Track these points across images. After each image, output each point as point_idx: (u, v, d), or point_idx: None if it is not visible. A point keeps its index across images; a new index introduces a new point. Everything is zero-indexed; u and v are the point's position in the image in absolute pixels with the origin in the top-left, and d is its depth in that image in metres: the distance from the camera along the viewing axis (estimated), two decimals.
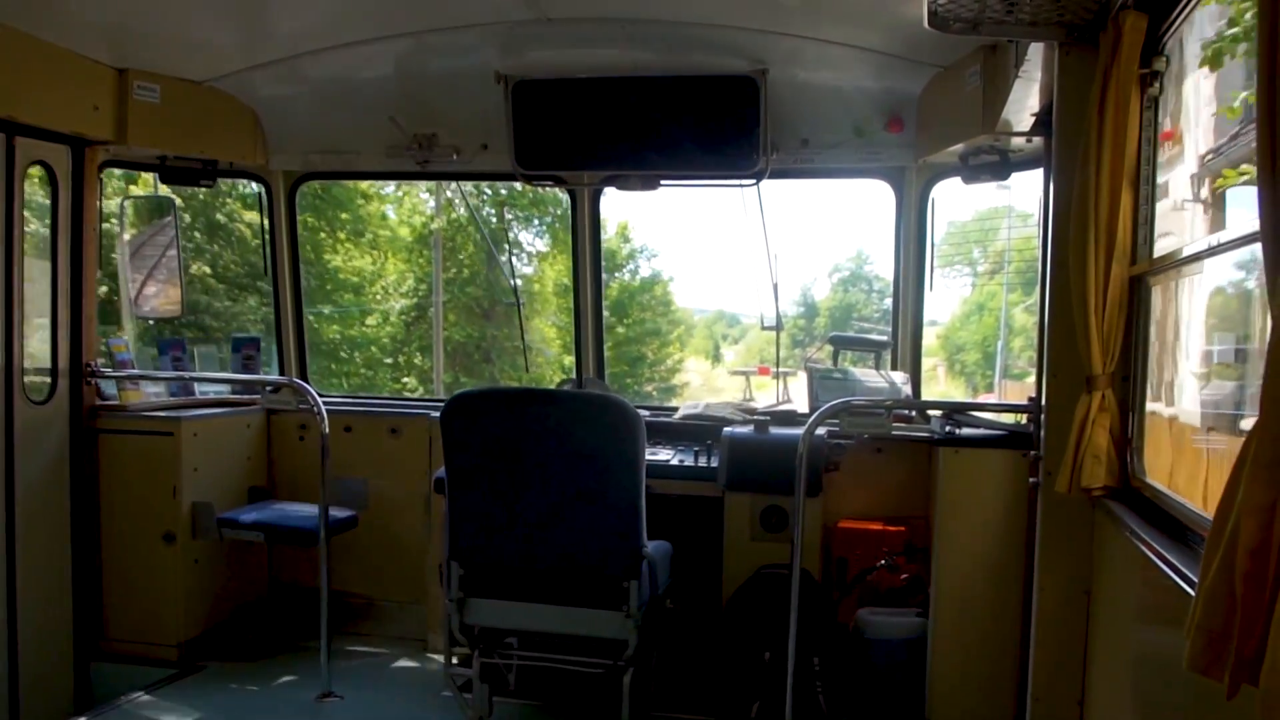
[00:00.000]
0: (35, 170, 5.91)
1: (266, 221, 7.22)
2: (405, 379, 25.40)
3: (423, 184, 23.14)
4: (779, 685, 5.07)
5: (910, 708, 5.47)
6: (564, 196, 6.95)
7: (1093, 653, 4.24)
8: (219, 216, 20.54)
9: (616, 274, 29.26)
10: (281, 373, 7.34)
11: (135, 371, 6.64)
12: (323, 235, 22.78)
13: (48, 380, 6.10)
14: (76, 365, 6.19)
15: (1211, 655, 2.05)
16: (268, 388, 6.52)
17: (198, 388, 6.94)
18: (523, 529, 4.82)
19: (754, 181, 6.28)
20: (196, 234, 19.79)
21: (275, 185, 7.08)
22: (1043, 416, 4.39)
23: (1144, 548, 3.25)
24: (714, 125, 6.08)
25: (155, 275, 6.80)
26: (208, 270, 20.28)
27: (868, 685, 5.59)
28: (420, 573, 6.56)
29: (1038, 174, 5.29)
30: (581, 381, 6.94)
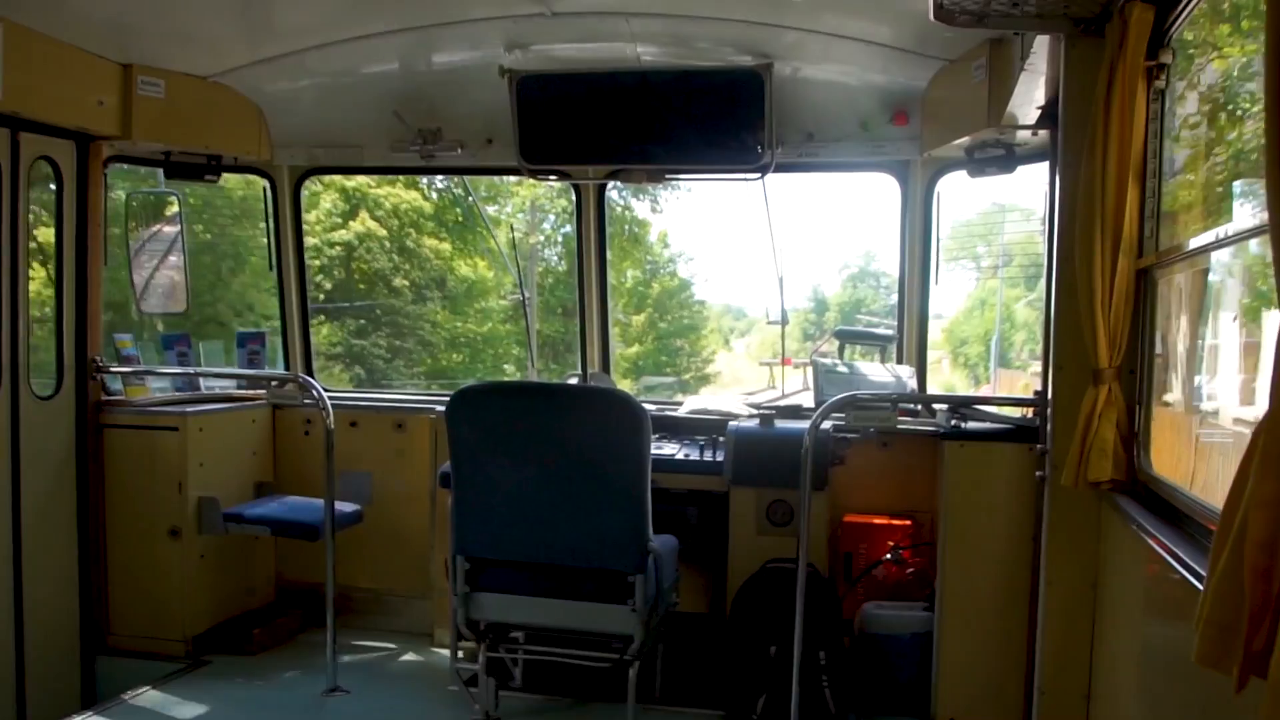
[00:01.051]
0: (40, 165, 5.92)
1: (271, 217, 7.21)
2: (505, 366, 28.13)
3: (516, 204, 25.65)
4: (785, 679, 5.07)
5: (916, 701, 5.47)
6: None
7: (1099, 646, 4.24)
8: (409, 243, 25.20)
9: (658, 275, 32.19)
10: (287, 368, 7.34)
11: (141, 367, 6.65)
12: (459, 253, 26.70)
13: (53, 376, 6.11)
14: (82, 361, 6.20)
15: (1221, 649, 2.05)
16: (273, 383, 6.52)
17: (203, 383, 6.95)
18: (528, 523, 4.83)
19: (759, 175, 6.27)
20: (395, 256, 24.52)
21: (280, 180, 7.09)
22: (1049, 410, 4.38)
23: (1151, 541, 3.25)
24: (719, 119, 6.08)
25: (161, 270, 6.80)
26: (406, 284, 25.06)
27: (874, 679, 5.59)
28: (426, 567, 6.57)
29: (1040, 170, 5.29)
30: (586, 376, 6.94)
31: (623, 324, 28.71)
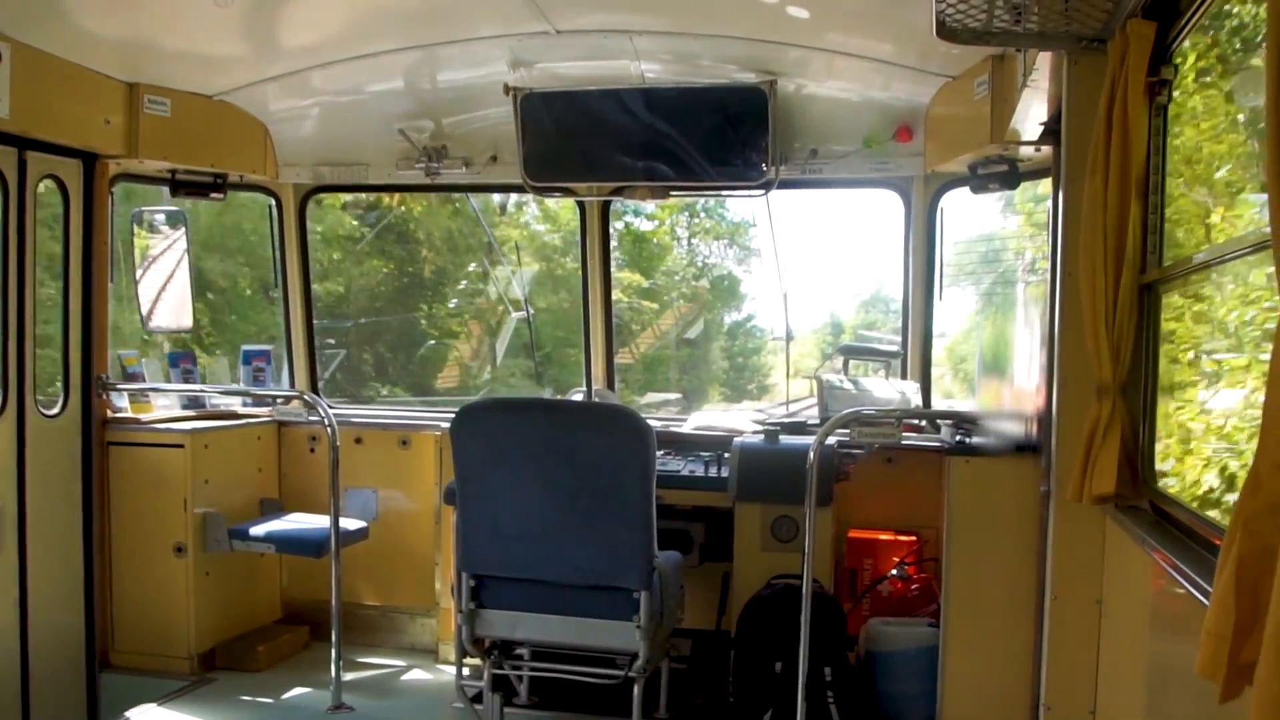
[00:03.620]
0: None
1: (276, 236, 7.23)
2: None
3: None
4: (790, 695, 5.05)
5: (922, 717, 5.45)
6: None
7: (1104, 661, 4.22)
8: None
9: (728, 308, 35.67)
10: (291, 385, 7.35)
11: (146, 384, 6.66)
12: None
13: (59, 393, 6.12)
14: (88, 378, 6.21)
15: (1219, 661, 2.07)
16: (279, 400, 6.53)
17: (208, 400, 6.96)
18: (533, 540, 4.82)
19: (763, 192, 6.29)
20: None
21: (285, 198, 7.12)
22: (1053, 425, 4.38)
23: (1156, 556, 3.24)
24: (723, 136, 6.11)
25: (167, 289, 6.82)
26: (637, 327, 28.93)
27: (879, 695, 5.58)
28: (431, 584, 6.57)
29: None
30: (590, 393, 6.94)
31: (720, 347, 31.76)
